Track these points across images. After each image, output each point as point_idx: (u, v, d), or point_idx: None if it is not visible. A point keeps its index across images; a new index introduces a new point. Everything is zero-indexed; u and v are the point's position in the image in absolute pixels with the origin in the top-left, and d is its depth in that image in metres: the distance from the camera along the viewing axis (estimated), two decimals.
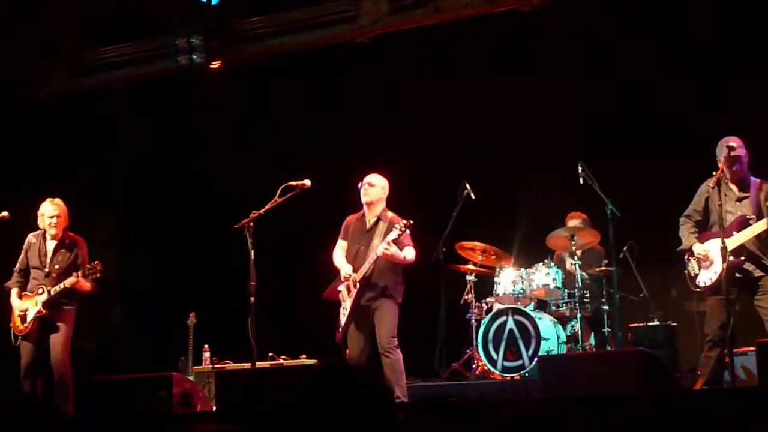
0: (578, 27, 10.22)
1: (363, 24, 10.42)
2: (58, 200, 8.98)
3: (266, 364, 9.40)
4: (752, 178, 7.81)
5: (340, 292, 8.32)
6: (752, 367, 7.64)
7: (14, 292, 8.89)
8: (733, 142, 7.65)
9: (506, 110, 10.74)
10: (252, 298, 7.75)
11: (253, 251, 7.80)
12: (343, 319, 8.26)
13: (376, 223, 8.35)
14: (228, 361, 9.89)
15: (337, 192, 9.70)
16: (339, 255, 8.46)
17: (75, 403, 8.61)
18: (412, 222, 8.08)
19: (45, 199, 9.01)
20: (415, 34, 10.61)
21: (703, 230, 7.92)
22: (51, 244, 8.91)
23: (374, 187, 8.38)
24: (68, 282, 8.63)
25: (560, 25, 10.19)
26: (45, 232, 8.95)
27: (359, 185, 8.45)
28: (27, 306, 8.76)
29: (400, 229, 8.04)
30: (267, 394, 7.28)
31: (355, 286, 8.19)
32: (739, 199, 7.78)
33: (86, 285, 8.73)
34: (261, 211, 7.91)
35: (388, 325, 8.11)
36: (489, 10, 10.11)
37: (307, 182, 8.04)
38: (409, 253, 8.21)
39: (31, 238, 9.00)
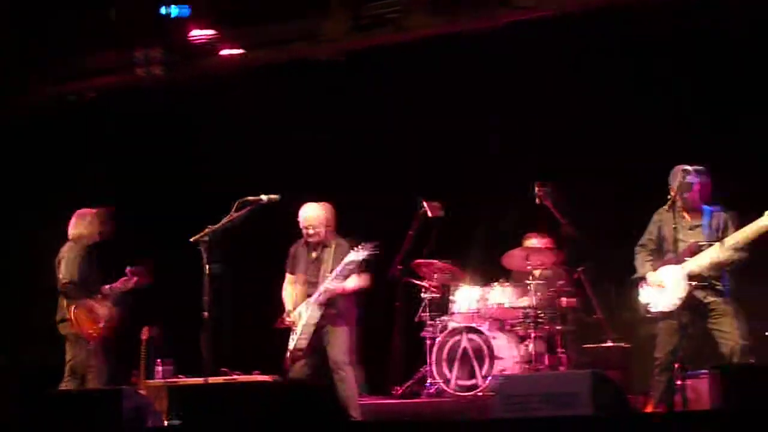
0: (541, 46, 10.27)
1: (323, 41, 10.40)
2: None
3: (220, 379, 9.34)
4: (705, 207, 7.88)
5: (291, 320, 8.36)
6: (704, 391, 7.69)
7: None
8: (688, 168, 7.71)
9: (465, 128, 10.78)
10: (206, 313, 7.72)
11: (207, 266, 7.77)
12: (292, 344, 8.27)
13: (323, 249, 8.37)
14: (181, 376, 9.82)
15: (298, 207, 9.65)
16: (286, 291, 8.52)
17: (22, 416, 8.48)
18: (375, 246, 8.18)
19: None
20: (377, 51, 10.63)
21: (658, 258, 7.99)
22: None
23: (316, 226, 8.37)
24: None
25: (522, 44, 10.23)
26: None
27: (301, 226, 8.44)
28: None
29: (360, 260, 8.09)
30: (221, 410, 7.22)
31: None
32: (691, 227, 7.84)
33: None
34: (216, 226, 7.88)
35: (342, 345, 8.17)
36: (450, 29, 10.14)
37: (264, 197, 8.03)
38: (349, 284, 8.24)
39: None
